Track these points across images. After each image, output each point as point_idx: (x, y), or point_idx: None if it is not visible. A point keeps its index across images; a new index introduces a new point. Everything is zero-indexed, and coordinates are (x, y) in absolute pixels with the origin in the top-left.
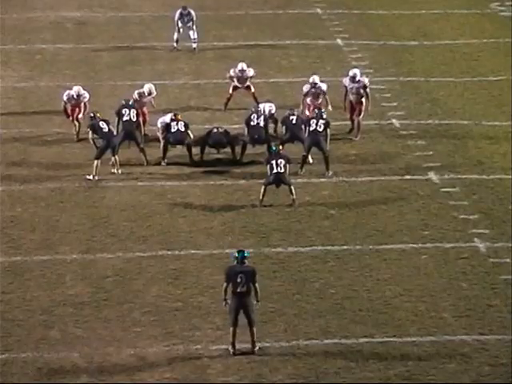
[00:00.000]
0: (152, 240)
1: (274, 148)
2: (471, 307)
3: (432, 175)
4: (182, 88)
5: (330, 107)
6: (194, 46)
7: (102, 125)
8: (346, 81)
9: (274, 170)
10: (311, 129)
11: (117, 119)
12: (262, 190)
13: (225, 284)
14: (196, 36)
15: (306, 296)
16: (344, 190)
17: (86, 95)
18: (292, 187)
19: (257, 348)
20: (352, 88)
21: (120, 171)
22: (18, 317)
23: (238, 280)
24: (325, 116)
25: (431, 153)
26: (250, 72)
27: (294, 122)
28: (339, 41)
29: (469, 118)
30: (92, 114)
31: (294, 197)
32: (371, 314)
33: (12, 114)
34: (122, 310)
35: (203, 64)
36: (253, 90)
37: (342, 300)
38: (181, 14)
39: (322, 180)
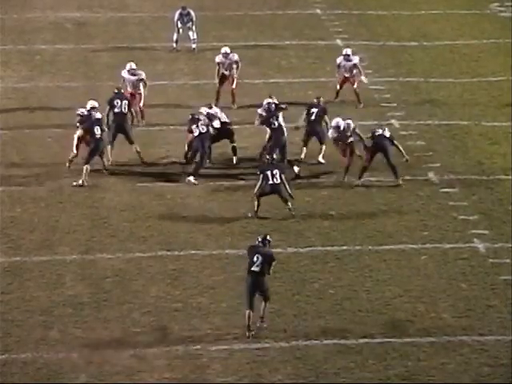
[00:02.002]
0: (151, 240)
1: (273, 157)
2: (471, 308)
3: (432, 176)
4: (181, 88)
5: (363, 78)
6: (194, 46)
7: (97, 130)
8: (340, 59)
9: (270, 181)
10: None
11: (107, 109)
12: (256, 202)
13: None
14: (195, 36)
15: (305, 296)
16: (344, 191)
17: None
18: (288, 200)
19: (265, 325)
20: (344, 65)
21: (110, 162)
22: (17, 317)
23: (254, 259)
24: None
25: (431, 153)
26: (235, 56)
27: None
28: (339, 41)
29: (468, 119)
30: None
31: (290, 206)
32: (371, 314)
33: (12, 115)
34: (121, 310)
35: (203, 64)
36: (234, 85)
37: (341, 300)
38: (180, 14)
39: (322, 180)
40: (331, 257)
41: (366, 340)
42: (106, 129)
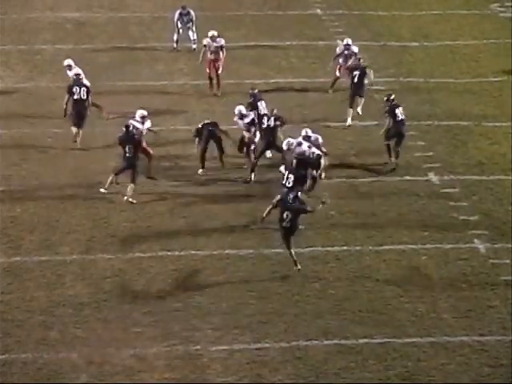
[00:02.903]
0: (152, 241)
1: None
2: (471, 308)
3: (432, 176)
4: (181, 88)
5: (370, 74)
6: (194, 46)
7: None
8: (341, 47)
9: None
10: (398, 119)
11: (67, 96)
12: (268, 209)
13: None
14: (195, 37)
15: (305, 296)
16: (344, 191)
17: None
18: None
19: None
20: (346, 53)
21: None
22: (17, 317)
23: (284, 216)
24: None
25: (431, 153)
26: (221, 41)
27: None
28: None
29: (468, 119)
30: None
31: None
32: (371, 314)
33: (12, 115)
34: (121, 310)
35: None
36: (220, 70)
37: (341, 301)
38: (180, 14)
39: (322, 182)
40: (331, 257)
41: (366, 340)
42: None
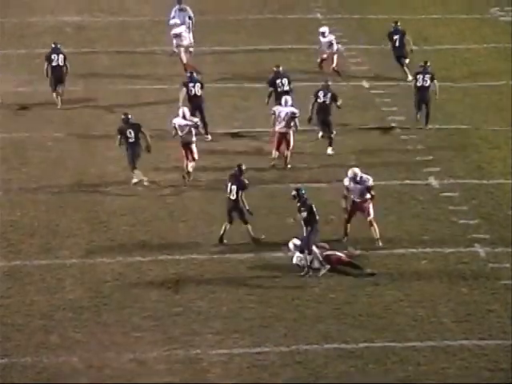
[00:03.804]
0: (152, 244)
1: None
2: (471, 312)
3: (432, 180)
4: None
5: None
6: (191, 49)
7: (129, 133)
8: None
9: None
10: (419, 84)
11: (46, 64)
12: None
13: None
14: (192, 40)
15: (305, 301)
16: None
17: None
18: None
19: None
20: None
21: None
22: (17, 321)
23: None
24: (430, 70)
25: (431, 157)
26: (189, 12)
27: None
28: (339, 46)
29: (469, 123)
30: (124, 116)
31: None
32: (370, 318)
33: (12, 118)
34: (121, 314)
35: (203, 68)
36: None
37: (341, 305)
38: (176, 11)
39: (323, 185)
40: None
41: (366, 344)
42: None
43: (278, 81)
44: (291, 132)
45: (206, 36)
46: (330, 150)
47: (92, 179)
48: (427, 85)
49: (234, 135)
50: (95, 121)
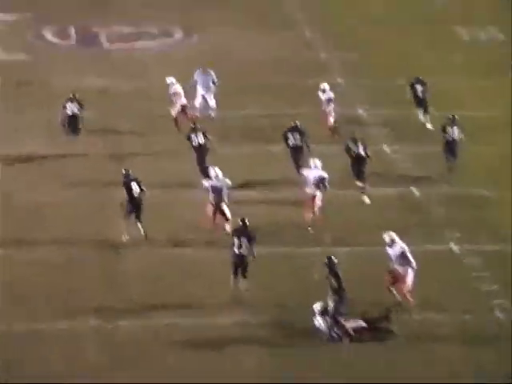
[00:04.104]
0: (170, 307)
1: None
2: (492, 376)
3: (452, 245)
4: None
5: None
6: (213, 114)
7: (134, 187)
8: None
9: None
10: (448, 137)
11: (62, 111)
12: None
13: None
14: (214, 105)
15: (322, 364)
16: (362, 261)
17: None
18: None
19: None
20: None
21: None
22: None
23: None
24: (457, 122)
25: (452, 222)
26: None
27: None
28: (360, 110)
29: (489, 188)
30: (124, 171)
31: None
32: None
33: (32, 179)
34: (139, 376)
35: (224, 132)
36: None
37: (359, 371)
38: (199, 75)
39: (343, 248)
40: None
41: None
42: None
43: (290, 135)
44: (320, 194)
45: (227, 99)
46: (366, 199)
47: (109, 239)
48: (456, 137)
49: (254, 196)
50: (115, 181)
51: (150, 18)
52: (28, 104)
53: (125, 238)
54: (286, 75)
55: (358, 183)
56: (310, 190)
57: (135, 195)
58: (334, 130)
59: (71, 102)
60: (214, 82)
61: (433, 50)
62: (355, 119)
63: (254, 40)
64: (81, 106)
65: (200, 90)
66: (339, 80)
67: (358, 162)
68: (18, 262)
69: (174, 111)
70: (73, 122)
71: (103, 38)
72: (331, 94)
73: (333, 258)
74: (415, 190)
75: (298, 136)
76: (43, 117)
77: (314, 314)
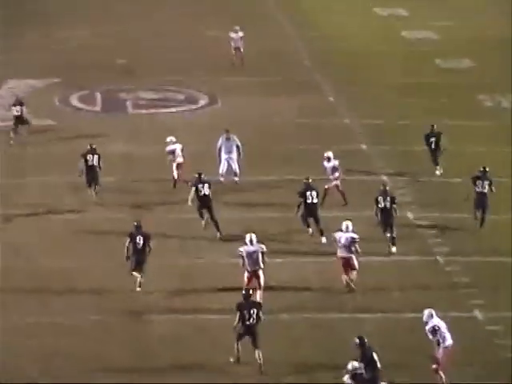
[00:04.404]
0: (194, 373)
1: None
2: None
3: (477, 313)
4: (225, 222)
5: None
6: (236, 179)
7: (139, 239)
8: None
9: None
10: (478, 190)
11: (82, 163)
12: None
13: None
14: (238, 169)
15: None
16: (387, 326)
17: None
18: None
19: None
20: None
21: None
22: None
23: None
24: (488, 176)
25: (476, 290)
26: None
27: None
28: (384, 177)
29: None
30: (135, 223)
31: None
32: None
33: (58, 245)
34: None
35: (249, 198)
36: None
37: None
38: (224, 139)
39: (366, 315)
40: None
41: None
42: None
43: (308, 193)
44: (354, 256)
45: (252, 166)
46: (393, 249)
47: (135, 306)
48: (486, 191)
49: (278, 264)
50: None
51: (175, 85)
52: (54, 168)
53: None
54: (309, 140)
55: (387, 234)
56: (342, 253)
57: (138, 247)
58: (342, 194)
59: (91, 153)
60: (237, 147)
61: (456, 117)
62: (378, 185)
63: (277, 105)
64: (99, 157)
65: (224, 155)
66: (363, 146)
67: (385, 215)
68: (44, 324)
69: (172, 169)
70: (92, 174)
71: (129, 104)
72: (336, 162)
73: (364, 339)
74: (440, 258)
75: (314, 193)
76: (67, 179)
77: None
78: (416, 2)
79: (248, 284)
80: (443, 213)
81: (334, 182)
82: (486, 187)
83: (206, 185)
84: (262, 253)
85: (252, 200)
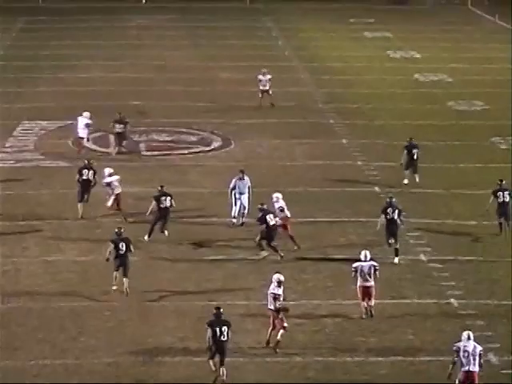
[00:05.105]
0: None
1: None
2: None
3: (491, 357)
4: (239, 264)
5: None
6: (242, 220)
7: (121, 246)
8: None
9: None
10: (499, 200)
11: (77, 176)
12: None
13: None
14: (246, 209)
15: None
16: (401, 370)
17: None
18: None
19: None
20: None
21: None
22: None
23: None
24: (506, 186)
25: (490, 333)
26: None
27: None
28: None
29: None
30: (117, 230)
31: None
32: None
33: (72, 287)
34: None
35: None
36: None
37: None
38: (237, 180)
39: (380, 358)
40: None
41: None
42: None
43: None
44: (374, 284)
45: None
46: (396, 260)
47: (149, 349)
48: (507, 200)
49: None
50: (154, 290)
51: (188, 127)
52: (65, 212)
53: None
54: (322, 182)
55: (391, 240)
56: (364, 282)
57: (121, 252)
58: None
59: (87, 168)
60: (248, 188)
61: (470, 160)
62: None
63: (290, 147)
64: (95, 172)
65: (237, 195)
66: (377, 189)
67: (391, 224)
68: (58, 369)
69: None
70: (85, 187)
71: (142, 146)
72: (283, 203)
73: None
74: (454, 301)
75: None
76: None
77: None
78: (429, 44)
79: (273, 326)
80: (457, 255)
81: (281, 222)
82: (507, 197)
83: (168, 197)
84: (283, 298)
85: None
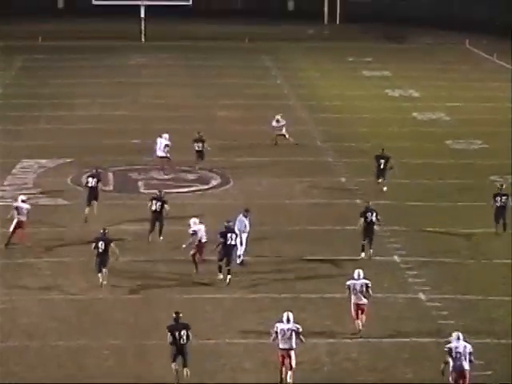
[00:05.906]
0: None
1: None
2: None
3: None
4: (235, 301)
5: None
6: (239, 260)
7: (100, 245)
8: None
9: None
10: (498, 204)
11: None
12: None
13: None
14: (243, 250)
15: None
16: None
17: None
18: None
19: None
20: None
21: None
22: None
23: None
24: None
25: (489, 373)
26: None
27: None
28: (396, 257)
29: None
30: (102, 231)
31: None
32: None
33: (68, 325)
34: None
35: (259, 279)
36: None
37: None
38: (239, 218)
39: None
40: None
41: None
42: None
43: None
44: (366, 302)
45: (262, 246)
46: (371, 251)
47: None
48: (505, 205)
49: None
50: (152, 328)
51: (186, 165)
52: (64, 250)
53: None
54: (321, 220)
55: (365, 241)
56: (358, 300)
57: (100, 251)
58: None
59: (91, 176)
60: (245, 226)
61: (468, 199)
62: (393, 264)
63: (289, 186)
64: (99, 180)
65: (237, 232)
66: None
67: (369, 227)
68: None
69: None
70: (92, 194)
71: (141, 185)
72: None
73: None
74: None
75: None
76: (80, 259)
77: None
78: (427, 82)
79: (282, 364)
80: (456, 294)
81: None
82: (505, 202)
83: (159, 202)
84: (297, 333)
85: (262, 280)
